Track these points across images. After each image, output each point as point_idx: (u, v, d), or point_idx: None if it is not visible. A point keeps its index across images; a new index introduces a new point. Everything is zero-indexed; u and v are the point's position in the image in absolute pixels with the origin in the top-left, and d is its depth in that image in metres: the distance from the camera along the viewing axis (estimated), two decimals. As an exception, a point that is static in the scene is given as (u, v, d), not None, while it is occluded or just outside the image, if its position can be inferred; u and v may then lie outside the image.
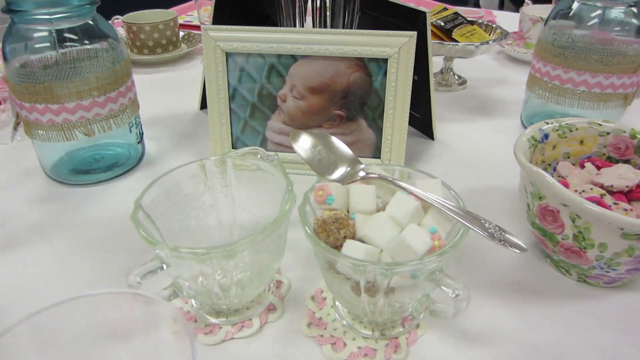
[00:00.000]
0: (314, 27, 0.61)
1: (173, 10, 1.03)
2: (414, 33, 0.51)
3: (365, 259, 0.31)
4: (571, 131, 0.48)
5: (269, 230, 0.33)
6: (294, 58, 0.54)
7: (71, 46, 0.52)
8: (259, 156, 0.41)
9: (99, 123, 0.54)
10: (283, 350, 0.37)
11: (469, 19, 0.86)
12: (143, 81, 0.90)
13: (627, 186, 0.41)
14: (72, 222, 0.52)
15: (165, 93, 0.85)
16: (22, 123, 0.55)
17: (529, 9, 0.98)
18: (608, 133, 0.48)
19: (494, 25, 0.85)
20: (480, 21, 0.86)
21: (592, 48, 0.59)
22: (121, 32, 1.04)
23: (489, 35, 0.84)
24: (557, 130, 0.48)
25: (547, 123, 0.47)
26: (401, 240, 0.30)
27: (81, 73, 0.51)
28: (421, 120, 0.68)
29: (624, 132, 0.47)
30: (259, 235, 0.33)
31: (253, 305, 0.40)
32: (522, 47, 0.98)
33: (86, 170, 0.59)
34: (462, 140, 0.68)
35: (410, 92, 0.54)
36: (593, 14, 0.60)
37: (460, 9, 1.24)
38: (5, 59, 0.51)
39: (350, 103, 0.55)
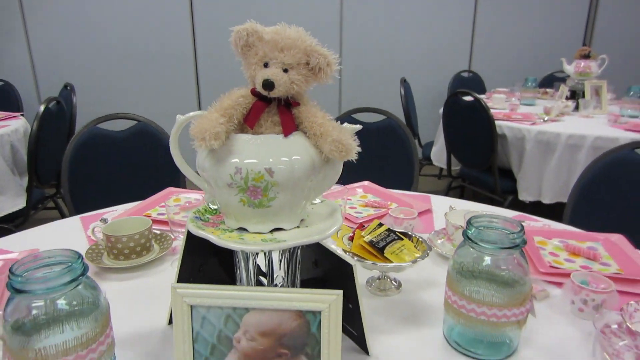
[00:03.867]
0: (265, 273, 0.75)
1: (148, 219, 1.18)
2: (340, 292, 0.66)
3: None
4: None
5: None
6: (247, 309, 0.67)
7: (61, 311, 0.63)
8: None
9: (79, 372, 0.64)
10: None
11: (398, 231, 1.03)
12: (118, 291, 1.01)
13: None
14: None
15: (138, 303, 0.96)
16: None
17: (452, 215, 1.17)
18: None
19: (420, 239, 1.02)
20: (410, 233, 1.04)
21: (484, 288, 0.74)
22: (99, 236, 1.17)
23: (416, 247, 1.00)
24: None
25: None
26: None
27: (67, 334, 0.62)
28: (357, 337, 0.80)
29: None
30: None
31: None
32: (451, 245, 1.15)
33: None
34: (393, 356, 0.79)
35: (340, 336, 0.66)
36: (484, 261, 0.76)
37: (403, 194, 1.43)
38: (6, 316, 0.62)
39: (293, 344, 0.68)
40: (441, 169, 4.11)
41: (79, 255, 0.67)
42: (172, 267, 1.12)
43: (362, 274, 1.05)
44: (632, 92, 3.36)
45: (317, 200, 0.82)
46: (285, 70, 0.67)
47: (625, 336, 0.78)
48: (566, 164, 2.77)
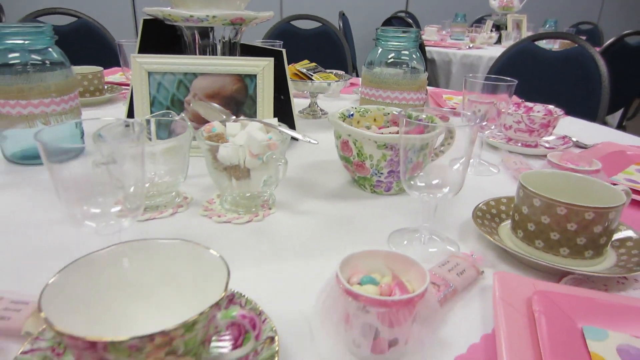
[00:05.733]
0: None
1: (100, 67, 1.28)
2: (272, 58, 0.82)
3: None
4: (367, 113, 0.79)
5: (173, 142, 0.59)
6: (195, 75, 0.82)
7: (37, 63, 0.75)
8: (170, 115, 0.66)
9: (54, 116, 0.77)
10: (186, 222, 0.61)
11: (327, 71, 1.20)
12: (74, 115, 1.12)
13: (390, 132, 0.72)
14: (28, 180, 0.72)
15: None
16: (-7, 118, 0.76)
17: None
18: (388, 114, 0.79)
19: (344, 74, 1.19)
20: (335, 72, 1.21)
21: (389, 75, 0.93)
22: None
23: (341, 78, 1.18)
24: (358, 112, 0.78)
25: (353, 108, 0.78)
26: (248, 133, 0.57)
27: (44, 80, 0.75)
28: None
29: (396, 112, 0.79)
30: (168, 143, 0.58)
31: (168, 205, 0.64)
32: (371, 95, 1.34)
33: (37, 156, 0.80)
34: (320, 141, 0.97)
35: (272, 96, 0.83)
36: (389, 56, 0.95)
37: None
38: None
39: (234, 104, 0.83)
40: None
41: (51, 26, 0.78)
42: (124, 106, 1.23)
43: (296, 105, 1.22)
44: (547, 25, 3.68)
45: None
46: None
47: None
48: (487, 84, 3.04)
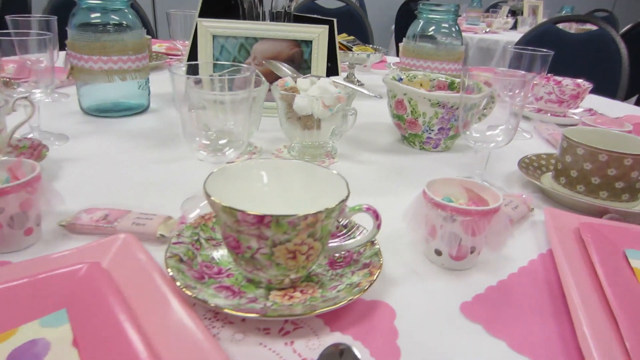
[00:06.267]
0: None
1: (149, 36, 1.34)
2: (327, 26, 0.88)
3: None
4: (415, 78, 0.86)
5: (253, 93, 0.66)
6: (256, 39, 0.89)
7: (116, 23, 0.82)
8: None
9: (129, 73, 0.84)
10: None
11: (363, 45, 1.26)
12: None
13: (439, 94, 0.79)
14: (106, 129, 0.80)
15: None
16: (73, 72, 0.83)
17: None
18: (433, 79, 0.86)
19: (380, 48, 1.26)
20: (371, 46, 1.27)
21: (429, 47, 0.99)
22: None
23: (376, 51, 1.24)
24: (407, 77, 0.85)
25: (403, 73, 0.85)
26: (322, 87, 0.64)
27: (123, 39, 0.82)
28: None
29: (442, 79, 0.85)
30: (245, 94, 0.65)
31: (242, 151, 0.71)
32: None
33: (110, 110, 0.87)
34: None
35: (325, 62, 0.89)
36: (430, 29, 1.01)
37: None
38: (72, 26, 0.80)
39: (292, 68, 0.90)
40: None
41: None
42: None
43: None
44: (564, 12, 3.71)
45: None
46: None
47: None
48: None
